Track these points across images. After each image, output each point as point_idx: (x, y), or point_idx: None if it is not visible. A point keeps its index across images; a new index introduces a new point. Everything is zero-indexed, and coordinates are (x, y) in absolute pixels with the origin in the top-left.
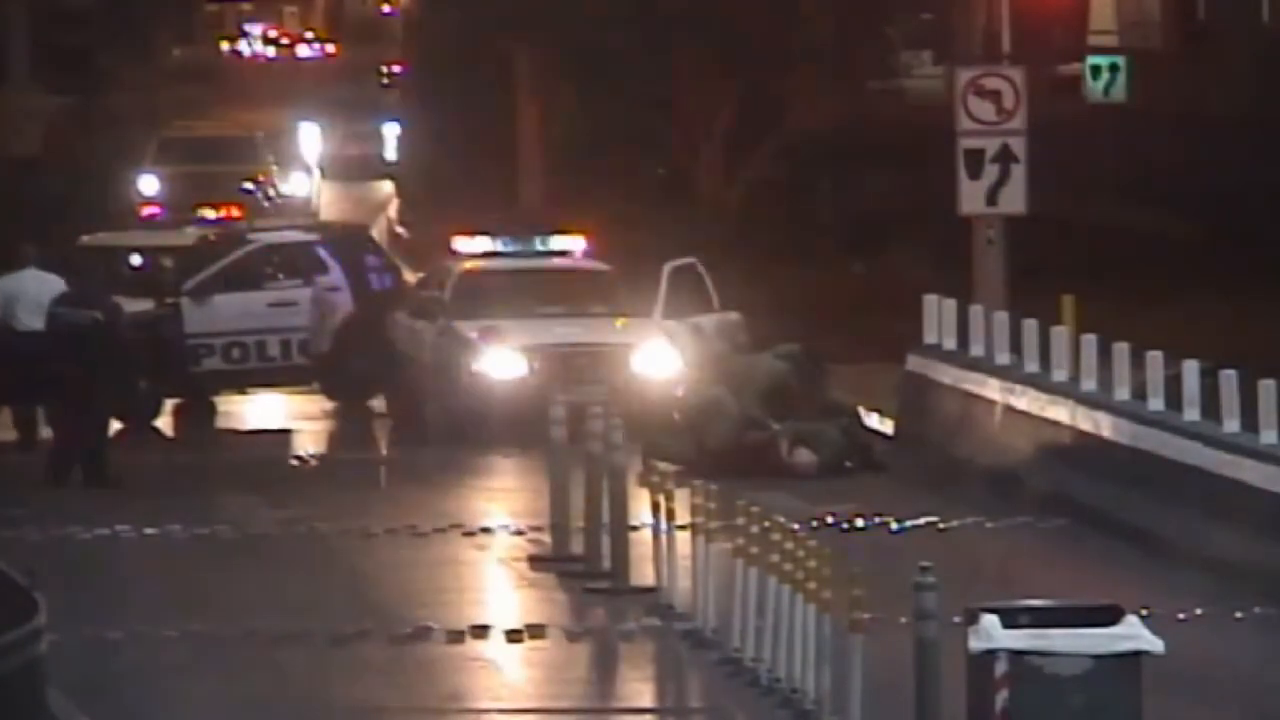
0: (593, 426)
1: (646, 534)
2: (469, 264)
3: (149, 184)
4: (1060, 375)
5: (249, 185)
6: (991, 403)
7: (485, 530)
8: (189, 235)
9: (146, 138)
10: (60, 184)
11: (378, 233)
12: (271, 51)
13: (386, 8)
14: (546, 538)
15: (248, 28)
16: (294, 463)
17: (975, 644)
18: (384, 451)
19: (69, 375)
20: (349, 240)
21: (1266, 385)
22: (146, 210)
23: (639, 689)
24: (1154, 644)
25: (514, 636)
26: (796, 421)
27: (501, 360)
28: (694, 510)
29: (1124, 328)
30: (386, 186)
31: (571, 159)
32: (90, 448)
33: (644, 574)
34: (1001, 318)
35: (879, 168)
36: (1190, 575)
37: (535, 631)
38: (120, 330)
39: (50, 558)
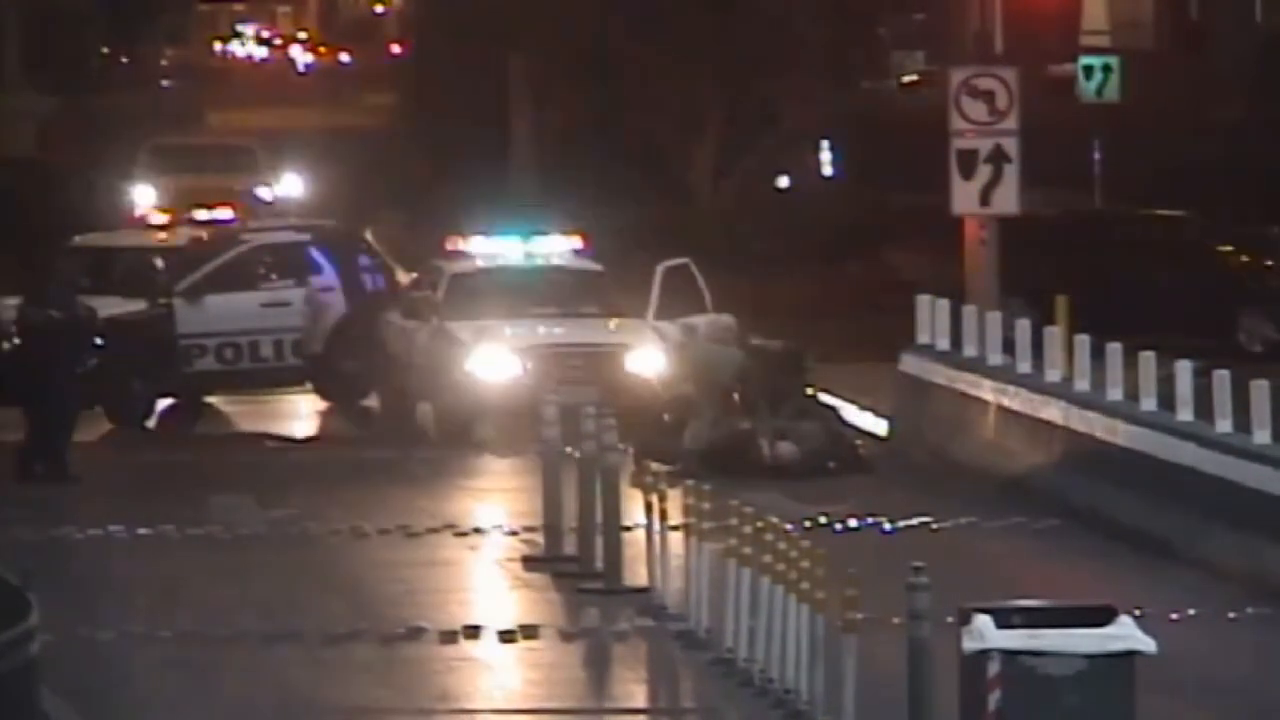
0: (585, 427)
1: (639, 534)
2: (462, 265)
3: (142, 194)
4: (1054, 375)
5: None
6: (985, 403)
7: (478, 531)
8: (182, 236)
9: (139, 141)
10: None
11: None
12: (264, 52)
13: (380, 8)
14: (539, 538)
15: (241, 28)
16: (275, 446)
17: (968, 644)
18: (377, 452)
19: (26, 372)
20: (342, 241)
21: (1259, 385)
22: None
23: (632, 689)
24: (1147, 644)
25: (507, 637)
26: (775, 419)
27: (494, 361)
28: (687, 511)
29: (1115, 328)
30: None
31: (565, 159)
32: (52, 443)
33: (637, 574)
34: (995, 318)
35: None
36: (1183, 575)
37: (528, 632)
38: (81, 328)
39: (44, 558)
